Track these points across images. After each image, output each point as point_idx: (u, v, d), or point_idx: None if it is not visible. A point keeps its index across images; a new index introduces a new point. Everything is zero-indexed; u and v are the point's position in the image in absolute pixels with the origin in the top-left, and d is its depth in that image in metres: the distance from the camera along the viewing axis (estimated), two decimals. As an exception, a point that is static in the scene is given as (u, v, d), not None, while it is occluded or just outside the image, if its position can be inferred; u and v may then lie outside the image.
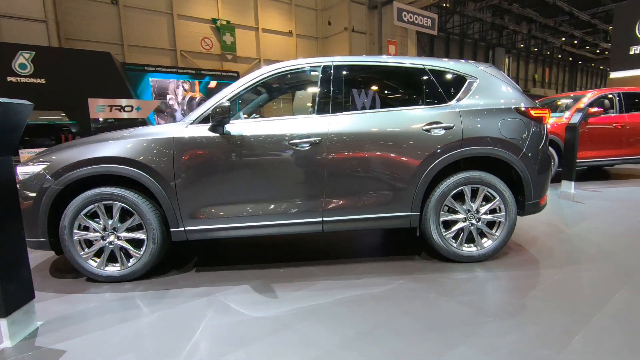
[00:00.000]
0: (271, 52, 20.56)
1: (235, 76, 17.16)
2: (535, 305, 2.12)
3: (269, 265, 2.85)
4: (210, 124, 2.56)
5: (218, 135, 2.54)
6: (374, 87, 2.93)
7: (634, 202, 4.69)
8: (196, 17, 18.56)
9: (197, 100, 15.56)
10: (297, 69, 2.77)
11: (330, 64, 2.73)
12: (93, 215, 2.59)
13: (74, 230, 2.55)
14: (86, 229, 2.59)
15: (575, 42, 23.21)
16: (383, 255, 3.00)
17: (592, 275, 2.52)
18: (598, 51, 26.58)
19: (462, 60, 2.92)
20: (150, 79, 14.50)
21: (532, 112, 2.73)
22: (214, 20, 18.89)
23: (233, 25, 18.96)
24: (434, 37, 23.23)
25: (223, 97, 2.64)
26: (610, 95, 6.00)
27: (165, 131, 2.57)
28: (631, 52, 10.52)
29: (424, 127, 2.62)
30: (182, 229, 2.60)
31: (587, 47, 26.08)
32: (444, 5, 17.63)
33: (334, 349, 1.77)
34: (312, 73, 2.76)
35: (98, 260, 2.62)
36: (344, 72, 2.73)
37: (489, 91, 2.76)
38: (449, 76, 2.79)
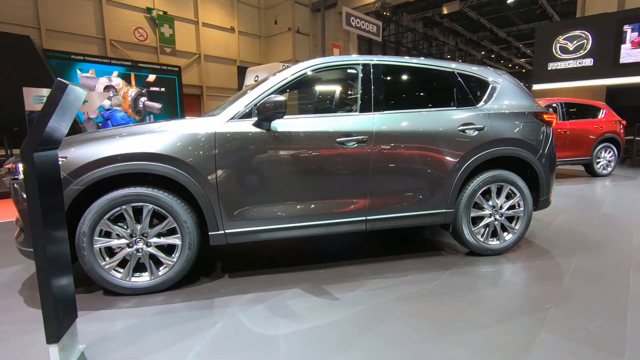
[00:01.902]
0: (212, 48, 19.73)
1: (177, 70, 16.15)
2: (578, 290, 2.34)
3: (304, 268, 2.75)
4: (256, 119, 2.40)
5: (264, 131, 2.39)
6: (411, 88, 2.99)
7: (586, 197, 5.40)
8: (128, 5, 17.07)
9: (133, 94, 14.32)
10: (338, 65, 2.71)
11: (369, 62, 2.72)
12: (115, 220, 2.27)
13: (95, 237, 2.22)
14: (108, 235, 2.27)
15: (493, 56, 25.89)
16: (410, 252, 3.06)
17: (601, 262, 2.83)
18: (510, 65, 29.96)
19: (483, 67, 3.12)
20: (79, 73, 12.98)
21: (545, 117, 3.01)
22: (149, 10, 17.56)
23: (171, 16, 17.81)
24: (371, 43, 24.20)
25: (265, 91, 2.49)
26: (554, 105, 6.82)
27: (204, 126, 2.35)
28: (549, 68, 12.03)
29: (459, 128, 2.74)
30: (222, 232, 2.39)
31: (502, 62, 29.22)
32: (384, 14, 18.44)
33: (431, 345, 1.78)
34: (352, 70, 2.72)
35: (122, 270, 2.30)
36: (383, 71, 2.74)
37: (510, 96, 2.98)
38: (475, 80, 2.96)
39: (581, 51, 11.35)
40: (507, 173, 2.85)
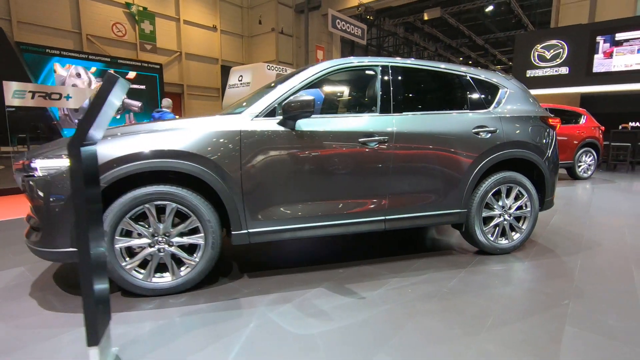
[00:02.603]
0: (194, 46, 19.39)
1: (158, 68, 15.76)
2: (589, 287, 2.45)
3: (321, 267, 2.75)
4: (281, 117, 2.39)
5: (289, 130, 2.39)
6: (426, 90, 3.05)
7: (574, 199, 5.65)
8: (106, -1, 16.55)
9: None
10: (358, 66, 2.73)
11: (388, 64, 2.76)
12: (136, 219, 2.21)
13: (116, 237, 2.15)
14: (128, 234, 2.20)
15: (470, 62, 26.65)
16: (422, 252, 3.12)
17: (602, 259, 2.97)
18: (486, 71, 30.95)
19: (492, 71, 3.22)
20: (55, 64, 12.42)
21: (550, 120, 3.14)
22: (128, 5, 17.08)
23: (152, 12, 17.38)
24: (354, 46, 24.42)
25: (288, 90, 2.48)
26: (539, 110, 7.09)
27: (230, 124, 2.32)
28: (528, 75, 12.52)
29: (474, 130, 2.82)
30: (246, 231, 2.37)
31: (479, 68, 30.11)
32: (368, 18, 18.65)
33: (465, 341, 1.82)
34: (371, 72, 2.75)
35: (143, 271, 2.24)
36: (401, 74, 2.79)
37: (518, 100, 3.09)
38: (486, 84, 3.05)
39: (557, 60, 11.86)
40: (516, 174, 2.95)
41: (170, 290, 2.27)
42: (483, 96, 3.00)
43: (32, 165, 2.15)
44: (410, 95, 2.87)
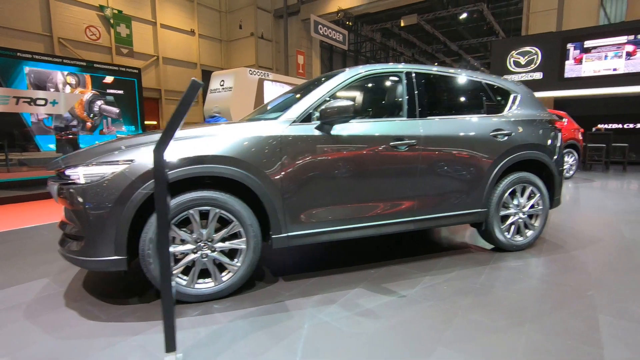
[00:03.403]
0: (171, 50, 19.06)
1: (137, 73, 15.35)
2: (605, 278, 2.63)
3: (352, 268, 2.80)
4: (319, 122, 2.44)
5: (326, 134, 2.44)
6: (447, 95, 3.17)
7: (563, 198, 5.93)
8: (78, 1, 16.05)
9: (88, 98, 13.36)
10: (384, 72, 2.82)
11: (411, 70, 2.87)
12: (178, 225, 2.20)
13: (161, 244, 2.13)
14: (171, 240, 2.19)
15: (444, 67, 27.59)
16: (441, 251, 3.24)
17: (609, 253, 3.17)
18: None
19: (503, 78, 3.39)
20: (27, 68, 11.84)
21: (557, 124, 3.34)
22: (102, 8, 16.62)
23: (127, 16, 16.96)
24: (332, 51, 24.68)
25: (322, 95, 2.54)
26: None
27: (270, 129, 2.36)
28: (504, 80, 13.13)
29: (492, 133, 2.96)
30: (285, 234, 2.40)
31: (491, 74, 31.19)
32: (347, 23, 18.93)
33: (511, 333, 1.92)
34: (396, 78, 2.85)
35: (186, 277, 2.23)
36: (426, 79, 2.90)
37: (528, 104, 3.27)
38: (499, 90, 3.22)
39: (532, 65, 12.47)
40: (530, 175, 3.12)
41: (213, 296, 2.26)
42: (497, 101, 3.16)
43: (69, 173, 2.11)
44: (433, 100, 2.98)
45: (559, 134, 3.35)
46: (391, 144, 2.60)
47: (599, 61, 11.66)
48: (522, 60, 12.60)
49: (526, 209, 3.17)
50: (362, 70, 2.72)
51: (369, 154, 2.56)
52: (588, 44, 11.75)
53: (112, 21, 16.68)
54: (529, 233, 3.22)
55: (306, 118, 2.47)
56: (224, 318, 2.08)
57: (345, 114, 2.34)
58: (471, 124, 2.95)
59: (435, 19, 20.33)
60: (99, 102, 13.92)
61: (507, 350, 1.77)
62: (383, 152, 2.59)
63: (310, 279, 2.62)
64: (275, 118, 2.46)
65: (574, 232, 3.85)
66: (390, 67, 2.85)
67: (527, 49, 12.53)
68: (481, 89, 3.15)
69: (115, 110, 14.43)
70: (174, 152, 2.11)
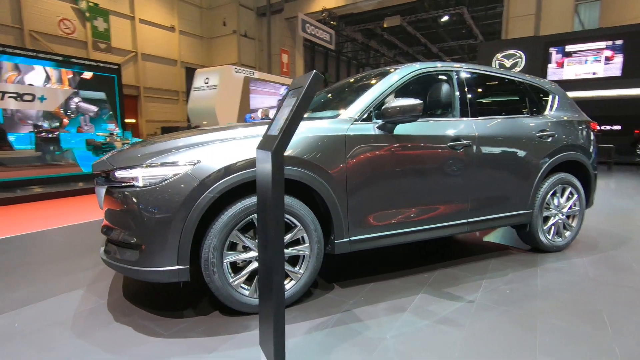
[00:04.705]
0: (151, 47, 18.41)
1: (116, 68, 14.68)
2: (656, 276, 2.66)
3: (404, 273, 2.70)
4: (381, 121, 2.32)
5: (389, 134, 2.33)
6: (495, 95, 3.13)
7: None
8: (51, -8, 15.22)
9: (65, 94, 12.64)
10: (436, 70, 2.73)
11: (460, 69, 2.80)
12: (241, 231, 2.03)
13: (225, 251, 1.96)
14: (232, 247, 2.01)
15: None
16: (483, 253, 3.19)
17: (641, 251, 3.25)
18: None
19: (542, 79, 3.38)
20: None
21: (592, 125, 3.37)
22: (76, 0, 15.81)
23: (105, 9, 16.21)
24: (314, 50, 24.58)
25: (380, 94, 2.41)
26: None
27: (332, 128, 2.21)
28: (489, 82, 13.45)
29: (537, 134, 2.94)
30: (347, 239, 2.27)
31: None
32: (331, 23, 18.88)
33: (600, 336, 1.87)
34: (449, 77, 2.75)
35: (248, 287, 2.06)
36: (476, 79, 2.84)
37: (566, 106, 3.28)
38: (541, 91, 3.21)
39: (516, 68, 12.81)
40: (569, 176, 3.13)
41: (276, 307, 2.10)
42: (540, 102, 3.15)
43: (121, 175, 1.91)
44: (483, 100, 2.93)
45: (594, 136, 3.37)
46: (449, 144, 2.52)
47: (580, 65, 12.13)
48: (507, 63, 12.93)
49: (565, 209, 3.17)
50: (415, 68, 2.61)
51: (429, 155, 2.47)
52: (569, 48, 12.20)
53: (87, 14, 15.91)
54: (567, 234, 3.22)
55: (367, 117, 2.35)
56: (297, 330, 1.92)
57: (412, 113, 2.22)
58: (520, 124, 2.92)
59: (417, 21, 20.63)
60: (76, 99, 13.22)
61: (608, 358, 1.72)
62: (441, 153, 2.50)
63: (367, 285, 2.50)
64: (334, 117, 2.33)
65: (604, 232, 3.88)
66: (442, 65, 2.76)
67: (512, 51, 12.87)
68: (525, 89, 3.12)
69: (94, 108, 13.76)
70: (242, 153, 1.95)
